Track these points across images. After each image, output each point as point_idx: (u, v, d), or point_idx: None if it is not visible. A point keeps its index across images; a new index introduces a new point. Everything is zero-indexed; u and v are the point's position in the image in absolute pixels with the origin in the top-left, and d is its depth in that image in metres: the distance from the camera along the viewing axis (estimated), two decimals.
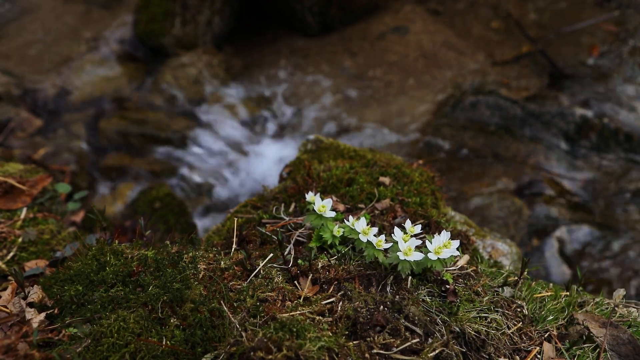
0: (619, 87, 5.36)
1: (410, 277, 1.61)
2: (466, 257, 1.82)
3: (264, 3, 6.64)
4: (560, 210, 4.46)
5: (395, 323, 1.44)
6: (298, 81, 6.05)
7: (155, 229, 3.98)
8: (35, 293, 1.64)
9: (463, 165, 4.94)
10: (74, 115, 5.33)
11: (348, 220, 1.71)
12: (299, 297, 1.53)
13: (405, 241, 1.58)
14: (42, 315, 1.55)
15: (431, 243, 1.57)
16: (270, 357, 1.28)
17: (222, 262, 1.66)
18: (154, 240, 1.93)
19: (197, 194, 4.95)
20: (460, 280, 1.69)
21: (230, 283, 1.56)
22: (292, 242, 1.81)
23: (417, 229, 1.68)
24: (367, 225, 1.69)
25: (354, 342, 1.40)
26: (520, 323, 1.62)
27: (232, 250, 1.82)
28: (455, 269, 1.73)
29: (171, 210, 4.16)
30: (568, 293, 1.86)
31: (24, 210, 2.21)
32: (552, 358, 1.55)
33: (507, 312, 1.63)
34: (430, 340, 1.44)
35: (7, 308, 1.60)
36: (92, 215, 1.85)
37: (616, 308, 1.77)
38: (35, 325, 1.51)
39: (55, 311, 1.57)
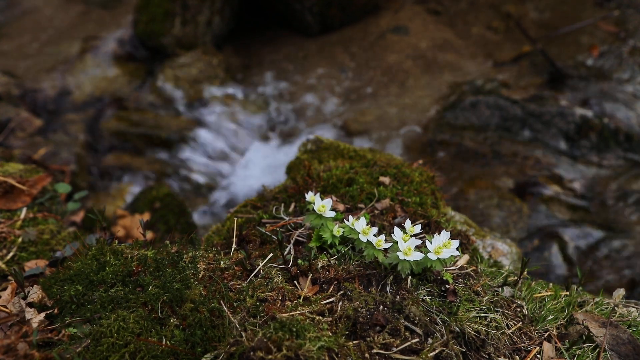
0: (619, 87, 5.36)
1: (410, 277, 1.61)
2: (466, 257, 1.82)
3: (264, 3, 6.63)
4: (560, 210, 4.46)
5: (395, 323, 1.44)
6: (298, 81, 6.05)
7: (155, 229, 3.98)
8: (35, 293, 1.64)
9: (463, 165, 4.94)
10: (74, 115, 5.33)
11: (348, 220, 1.71)
12: (299, 297, 1.53)
13: (405, 241, 1.58)
14: (42, 315, 1.55)
15: (431, 243, 1.57)
16: (270, 357, 1.28)
17: (222, 262, 1.66)
18: (154, 240, 1.93)
19: (197, 194, 4.95)
20: (460, 280, 1.69)
21: (230, 283, 1.56)
22: (292, 242, 1.81)
23: (417, 228, 1.68)
24: (367, 225, 1.69)
25: (354, 342, 1.40)
26: (520, 323, 1.62)
27: (232, 250, 1.82)
28: (455, 269, 1.73)
29: (171, 210, 4.16)
30: (568, 293, 1.86)
31: (24, 210, 2.21)
32: (551, 358, 1.55)
33: (507, 312, 1.63)
34: (430, 340, 1.44)
35: (7, 308, 1.60)
36: (92, 215, 1.85)
37: (616, 308, 1.77)
38: (35, 325, 1.51)
39: (55, 311, 1.57)
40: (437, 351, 1.40)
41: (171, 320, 1.44)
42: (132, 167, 4.99)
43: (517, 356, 1.52)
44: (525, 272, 1.79)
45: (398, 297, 1.53)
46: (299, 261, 1.67)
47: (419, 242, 1.59)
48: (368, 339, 1.40)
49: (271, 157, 5.25)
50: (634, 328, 1.71)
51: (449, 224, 2.08)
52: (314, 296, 1.54)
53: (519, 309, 1.67)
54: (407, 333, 1.44)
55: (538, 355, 1.54)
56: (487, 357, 1.49)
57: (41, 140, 4.91)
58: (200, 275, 1.58)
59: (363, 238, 1.65)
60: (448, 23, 6.55)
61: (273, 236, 1.88)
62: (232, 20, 6.52)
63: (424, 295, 1.58)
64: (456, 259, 1.78)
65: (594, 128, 4.95)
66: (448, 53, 6.16)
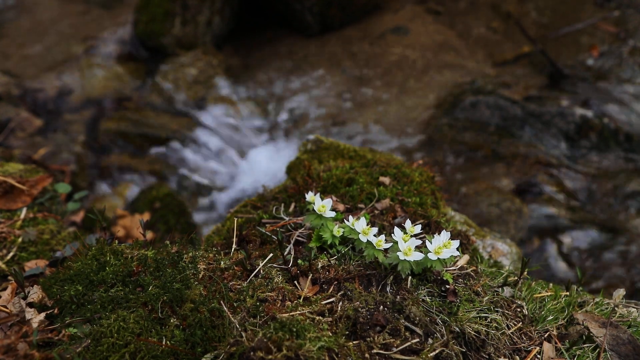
0: (619, 87, 5.36)
1: (410, 277, 1.61)
2: (466, 257, 1.82)
3: (263, 3, 6.64)
4: (560, 210, 4.46)
5: (395, 323, 1.44)
6: (298, 81, 6.05)
7: (155, 229, 3.99)
8: (35, 293, 1.64)
9: (463, 165, 4.94)
10: (74, 115, 5.33)
11: (348, 220, 1.71)
12: (299, 297, 1.53)
13: (405, 241, 1.58)
14: (42, 315, 1.55)
15: (431, 243, 1.57)
16: (270, 357, 1.28)
17: (222, 262, 1.65)
18: (154, 240, 1.93)
19: (197, 194, 4.95)
20: (460, 280, 1.69)
21: (230, 283, 1.56)
22: (292, 242, 1.81)
23: (417, 229, 1.68)
24: (367, 225, 1.69)
25: (354, 342, 1.40)
26: (520, 323, 1.62)
27: (232, 250, 1.82)
28: (455, 269, 1.73)
29: (171, 210, 4.16)
30: (568, 293, 1.86)
31: (24, 210, 2.21)
32: (552, 358, 1.55)
33: (507, 312, 1.63)
34: (430, 340, 1.44)
35: (7, 308, 1.60)
36: (92, 215, 1.85)
37: (616, 308, 1.77)
38: (35, 325, 1.51)
39: (55, 311, 1.57)
40: (437, 351, 1.40)
41: (171, 320, 1.44)
42: (132, 167, 4.99)
43: (517, 356, 1.52)
44: (525, 272, 1.78)
45: (398, 297, 1.53)
46: (299, 261, 1.67)
47: (419, 242, 1.59)
48: (368, 339, 1.40)
49: (271, 157, 5.26)
50: (634, 328, 1.71)
51: (449, 224, 2.08)
52: (314, 296, 1.54)
53: (519, 309, 1.67)
54: (407, 333, 1.44)
55: (538, 356, 1.54)
56: (487, 357, 1.49)
57: (41, 140, 4.91)
58: (201, 276, 1.58)
59: (363, 238, 1.65)
60: (448, 23, 6.55)
61: (273, 236, 1.88)
62: (232, 20, 6.52)
63: (424, 296, 1.58)
64: (456, 259, 1.78)
65: (594, 128, 4.95)
66: (448, 53, 6.16)
